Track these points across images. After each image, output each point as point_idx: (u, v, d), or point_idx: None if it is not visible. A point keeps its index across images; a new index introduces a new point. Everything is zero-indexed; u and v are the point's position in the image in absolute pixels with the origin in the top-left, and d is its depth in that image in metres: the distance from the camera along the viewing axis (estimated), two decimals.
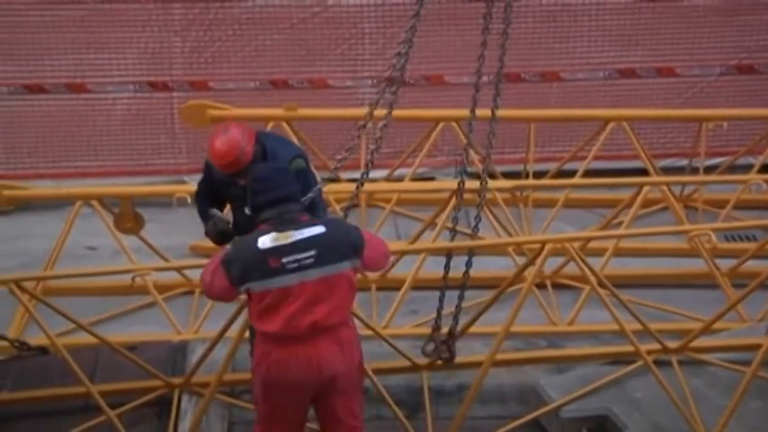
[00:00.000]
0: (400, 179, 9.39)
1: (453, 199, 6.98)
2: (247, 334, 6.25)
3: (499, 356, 6.58)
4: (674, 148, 10.41)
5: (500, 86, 6.16)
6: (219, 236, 6.43)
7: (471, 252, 6.50)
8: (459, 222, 6.56)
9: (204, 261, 5.86)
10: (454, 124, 8.95)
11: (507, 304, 6.71)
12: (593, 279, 6.56)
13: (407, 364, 6.75)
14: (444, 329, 6.59)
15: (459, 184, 6.43)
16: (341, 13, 9.77)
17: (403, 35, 6.06)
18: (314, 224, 5.49)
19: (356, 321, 6.55)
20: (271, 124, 8.87)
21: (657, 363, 6.63)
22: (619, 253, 8.23)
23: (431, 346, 6.59)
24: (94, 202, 7.91)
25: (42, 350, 6.80)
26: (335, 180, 7.23)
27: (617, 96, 10.22)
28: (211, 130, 6.26)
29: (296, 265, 5.38)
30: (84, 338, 6.74)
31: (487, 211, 7.99)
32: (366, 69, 9.89)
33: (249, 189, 5.62)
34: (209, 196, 6.55)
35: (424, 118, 9.36)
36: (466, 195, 6.56)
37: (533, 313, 7.82)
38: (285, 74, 9.89)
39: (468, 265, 6.43)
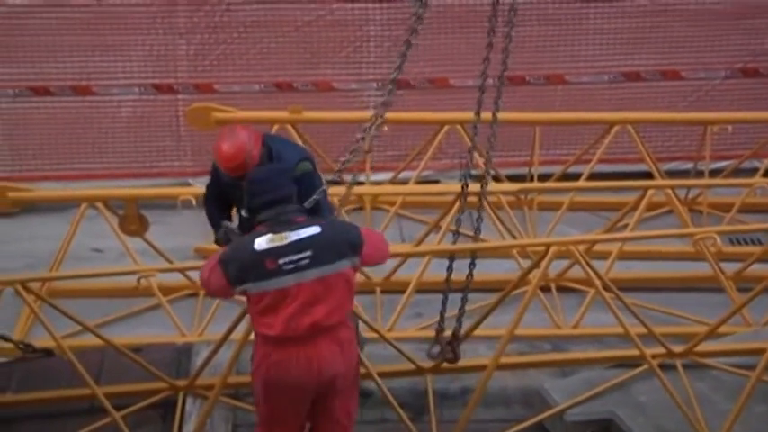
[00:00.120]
0: (405, 182, 9.40)
1: (458, 202, 6.97)
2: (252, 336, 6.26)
3: (503, 360, 6.58)
4: (679, 152, 10.40)
5: (502, 89, 6.14)
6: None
7: (474, 254, 6.49)
8: (463, 225, 6.55)
9: (207, 260, 5.86)
10: (459, 127, 8.96)
11: (512, 307, 6.72)
12: (597, 282, 6.55)
13: (412, 367, 6.75)
14: (448, 332, 6.59)
15: (463, 187, 6.43)
16: (345, 15, 9.78)
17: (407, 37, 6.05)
18: (310, 225, 5.50)
19: (360, 324, 6.60)
20: (275, 127, 8.89)
21: (662, 366, 6.63)
22: (623, 256, 8.23)
23: (436, 349, 6.59)
24: (99, 205, 7.92)
25: (47, 352, 6.82)
26: (339, 182, 7.23)
27: (622, 99, 10.22)
28: (218, 134, 6.26)
29: (292, 266, 5.39)
30: (89, 340, 6.75)
31: (492, 214, 8.00)
32: (371, 72, 9.90)
33: (246, 191, 5.64)
34: (218, 199, 6.57)
35: (429, 121, 9.37)
36: (471, 198, 6.56)
37: (538, 316, 7.82)
38: (290, 77, 9.89)
39: (472, 266, 6.43)
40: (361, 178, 9.55)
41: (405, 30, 5.96)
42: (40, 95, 9.70)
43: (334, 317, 5.49)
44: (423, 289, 7.83)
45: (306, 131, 9.01)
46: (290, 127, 8.94)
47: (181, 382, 6.66)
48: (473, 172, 6.51)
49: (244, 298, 5.57)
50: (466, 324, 6.54)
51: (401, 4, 9.59)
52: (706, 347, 6.97)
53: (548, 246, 6.50)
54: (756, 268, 8.33)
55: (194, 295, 8.20)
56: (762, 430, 6.40)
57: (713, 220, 9.20)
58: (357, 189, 9.32)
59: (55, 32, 9.52)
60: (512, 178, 9.46)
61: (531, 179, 9.60)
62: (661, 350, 6.80)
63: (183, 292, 8.27)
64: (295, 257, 5.39)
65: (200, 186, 9.18)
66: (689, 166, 10.02)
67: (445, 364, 6.68)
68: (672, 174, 9.98)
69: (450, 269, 6.46)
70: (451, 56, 9.84)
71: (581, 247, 6.62)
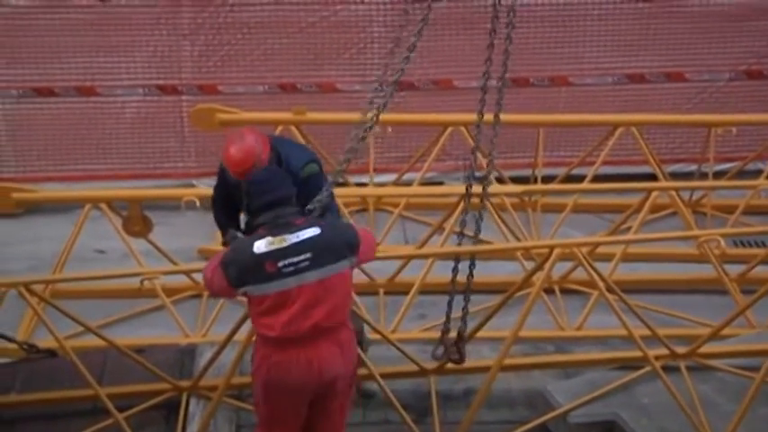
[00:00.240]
0: (408, 183, 9.40)
1: (461, 203, 6.97)
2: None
3: (507, 361, 6.57)
4: (683, 154, 10.39)
5: (504, 90, 6.13)
6: None
7: (473, 255, 6.47)
8: (467, 226, 6.54)
9: (210, 261, 5.87)
10: (463, 129, 8.95)
11: (515, 309, 6.72)
12: (601, 284, 6.55)
13: (415, 368, 6.75)
14: (453, 333, 6.58)
15: (467, 188, 6.42)
16: (349, 16, 9.78)
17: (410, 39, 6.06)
18: (309, 227, 5.50)
19: (364, 325, 6.60)
20: (279, 128, 8.90)
21: (666, 368, 6.63)
22: (627, 258, 8.22)
23: (440, 350, 6.59)
24: (103, 206, 7.91)
25: (51, 353, 6.83)
26: (343, 183, 7.24)
27: (626, 101, 10.21)
28: (226, 137, 6.24)
29: (292, 268, 5.40)
30: (92, 341, 6.75)
31: (495, 216, 8.00)
32: (374, 73, 9.88)
33: (245, 192, 5.64)
34: (225, 201, 6.57)
35: (433, 122, 9.37)
36: (475, 200, 6.55)
37: (541, 318, 7.81)
38: (294, 77, 9.89)
39: (472, 267, 6.41)
40: (365, 180, 9.56)
41: (408, 31, 5.96)
42: (43, 96, 9.70)
43: (334, 318, 5.50)
44: (426, 290, 7.82)
45: (309, 132, 9.01)
46: (293, 128, 8.94)
47: (184, 383, 6.66)
48: (477, 173, 6.51)
49: (246, 298, 5.58)
50: (469, 325, 6.53)
51: (405, 6, 9.59)
52: (710, 349, 6.97)
53: (551, 248, 6.50)
54: (760, 270, 8.32)
55: (198, 296, 8.21)
56: None
57: (717, 223, 9.19)
58: (361, 190, 9.43)
59: (59, 33, 9.52)
60: (515, 180, 9.45)
61: (535, 181, 9.60)
62: (665, 352, 6.80)
63: (186, 293, 8.27)
64: (295, 260, 5.40)
65: (204, 187, 9.23)
66: (693, 167, 10.01)
67: (449, 366, 6.68)
68: (676, 176, 9.98)
69: (455, 270, 6.44)
70: (455, 57, 9.84)
71: (585, 249, 6.62)
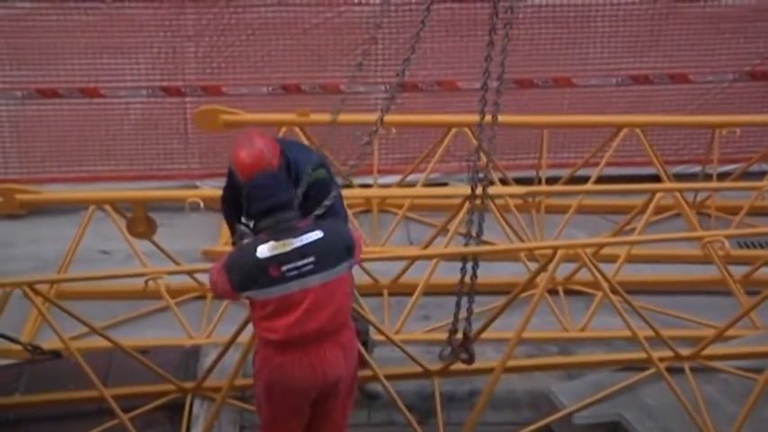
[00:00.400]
0: (412, 184, 9.39)
1: (465, 204, 6.96)
2: None
3: (511, 362, 6.57)
4: (687, 155, 10.39)
5: (502, 89, 6.11)
6: None
7: (476, 256, 6.46)
8: (472, 227, 6.53)
9: (215, 263, 5.87)
10: (467, 130, 8.95)
11: (519, 310, 6.71)
12: (605, 285, 6.55)
13: (419, 369, 6.75)
14: (458, 334, 6.58)
15: (472, 189, 6.41)
16: (353, 18, 9.78)
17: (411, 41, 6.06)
18: (311, 230, 5.49)
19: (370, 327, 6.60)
20: (283, 129, 8.89)
21: (670, 369, 6.62)
22: (631, 259, 8.20)
23: (448, 350, 6.58)
24: (107, 207, 7.91)
25: (55, 354, 6.83)
26: (348, 185, 7.24)
27: (630, 102, 10.21)
28: (235, 140, 6.22)
29: (296, 272, 5.40)
30: (97, 342, 6.75)
31: (499, 217, 8.00)
32: (378, 75, 9.89)
33: (245, 197, 5.63)
34: (234, 202, 6.56)
35: (437, 123, 9.38)
36: (479, 201, 6.55)
37: (545, 319, 7.81)
38: (298, 79, 9.90)
39: (475, 267, 6.40)
40: (369, 181, 9.56)
41: (412, 33, 5.96)
42: (48, 98, 9.71)
43: (337, 320, 5.51)
44: (430, 291, 7.82)
45: (313, 134, 9.01)
46: (297, 129, 8.94)
47: (188, 384, 6.66)
48: (481, 174, 6.50)
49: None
50: (474, 326, 6.53)
51: (409, 7, 9.59)
52: (714, 351, 6.96)
53: (555, 249, 6.50)
54: (765, 271, 8.31)
55: (202, 297, 8.21)
56: None
57: (721, 224, 9.19)
58: (365, 191, 9.42)
59: (63, 35, 9.52)
60: (519, 181, 9.44)
61: (539, 182, 9.59)
62: (669, 353, 6.80)
63: (190, 294, 8.27)
64: (299, 263, 5.40)
65: (207, 189, 9.23)
66: (697, 169, 10.00)
67: (453, 367, 6.68)
68: (680, 177, 9.98)
69: (463, 270, 6.43)
70: (459, 58, 9.84)
71: (589, 251, 6.61)
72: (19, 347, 6.96)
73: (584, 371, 7.07)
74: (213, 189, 9.10)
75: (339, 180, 6.56)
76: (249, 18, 9.70)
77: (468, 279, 6.42)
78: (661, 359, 6.63)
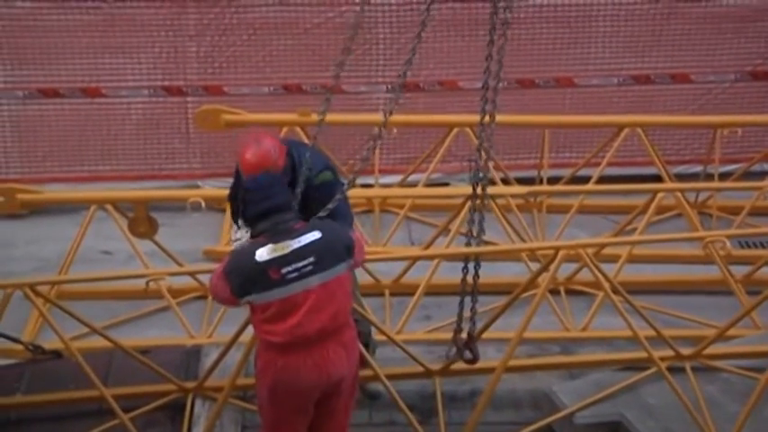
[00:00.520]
0: (414, 184, 9.39)
1: (467, 204, 6.95)
2: None
3: (512, 362, 6.57)
4: (689, 155, 10.39)
5: (499, 88, 6.10)
6: None
7: (478, 257, 6.45)
8: (474, 227, 6.52)
9: (217, 266, 5.87)
10: (468, 130, 8.94)
11: (521, 310, 6.71)
12: (606, 285, 6.55)
13: (421, 369, 6.75)
14: (462, 333, 6.57)
15: (473, 188, 6.40)
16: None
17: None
18: (310, 230, 5.49)
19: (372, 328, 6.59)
20: (285, 129, 8.89)
21: (671, 369, 6.62)
22: (632, 259, 8.20)
23: (453, 350, 6.57)
24: (109, 207, 7.91)
25: (56, 354, 6.83)
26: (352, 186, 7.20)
27: (631, 102, 10.21)
28: (242, 139, 6.21)
29: (296, 274, 5.39)
30: (97, 342, 6.75)
31: (501, 217, 8.00)
32: (380, 75, 9.90)
33: (241, 199, 5.62)
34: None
35: (438, 123, 9.37)
36: (479, 201, 6.54)
37: (547, 319, 7.81)
38: (299, 79, 9.89)
39: (477, 267, 6.40)
40: (370, 181, 9.56)
41: (414, 33, 5.96)
42: (49, 97, 9.71)
43: (338, 320, 5.51)
44: (431, 292, 7.82)
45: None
46: (298, 129, 8.94)
47: (190, 384, 6.66)
48: (482, 174, 6.49)
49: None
50: (476, 326, 6.53)
51: (410, 7, 9.59)
52: (715, 350, 6.96)
53: (557, 249, 6.50)
54: (766, 271, 8.31)
55: (203, 297, 8.20)
56: None
57: (723, 224, 9.19)
58: (366, 191, 9.42)
59: (64, 34, 9.53)
60: (521, 181, 9.44)
61: (541, 182, 9.59)
62: (670, 353, 6.79)
63: (191, 294, 8.27)
64: (299, 265, 5.39)
65: (209, 189, 9.24)
66: (698, 169, 10.00)
67: (454, 367, 6.68)
68: (681, 177, 9.96)
69: (465, 270, 6.42)
70: (461, 58, 9.83)
71: (590, 251, 6.61)
72: (20, 347, 6.97)
73: (585, 370, 7.06)
74: (215, 189, 9.12)
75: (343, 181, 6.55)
76: (251, 18, 9.70)
77: (470, 279, 6.42)
78: (662, 359, 6.63)
